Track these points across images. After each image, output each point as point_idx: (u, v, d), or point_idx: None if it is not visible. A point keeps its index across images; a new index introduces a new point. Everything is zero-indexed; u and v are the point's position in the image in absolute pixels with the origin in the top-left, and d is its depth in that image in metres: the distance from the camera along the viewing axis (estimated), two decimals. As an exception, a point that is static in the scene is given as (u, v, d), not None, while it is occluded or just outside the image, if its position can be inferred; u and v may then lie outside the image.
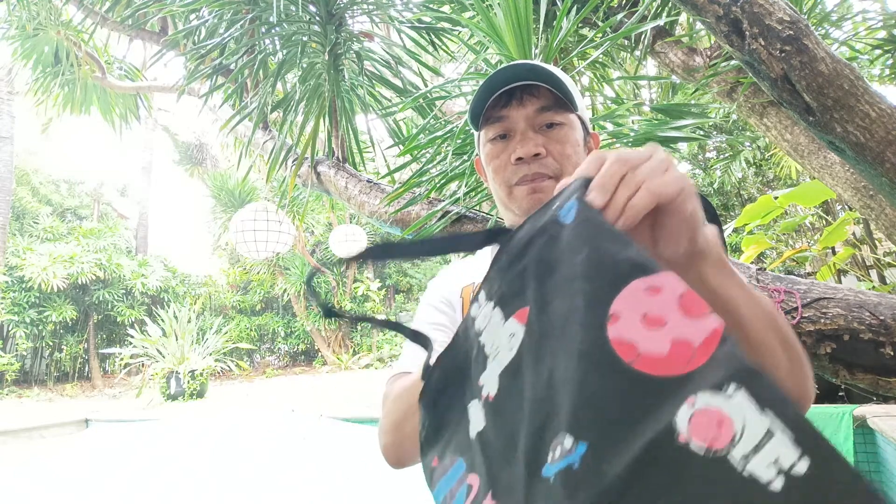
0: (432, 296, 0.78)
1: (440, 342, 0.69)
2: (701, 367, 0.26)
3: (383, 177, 2.04)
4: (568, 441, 0.28)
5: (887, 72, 2.69)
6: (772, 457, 0.21)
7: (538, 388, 0.33)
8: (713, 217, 0.50)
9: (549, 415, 0.31)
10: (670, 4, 2.14)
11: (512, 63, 0.67)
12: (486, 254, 0.79)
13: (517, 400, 0.35)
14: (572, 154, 0.69)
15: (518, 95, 0.68)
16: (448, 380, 0.44)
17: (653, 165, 0.38)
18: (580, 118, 0.72)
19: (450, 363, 0.45)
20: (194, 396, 8.12)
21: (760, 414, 0.23)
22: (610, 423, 0.27)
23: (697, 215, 0.40)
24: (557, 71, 0.69)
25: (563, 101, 0.68)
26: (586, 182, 0.39)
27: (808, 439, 0.21)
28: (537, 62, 0.68)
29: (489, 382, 0.38)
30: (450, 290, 0.76)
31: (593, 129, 0.77)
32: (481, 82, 0.70)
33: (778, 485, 0.21)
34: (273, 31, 2.25)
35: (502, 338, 0.38)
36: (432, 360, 0.48)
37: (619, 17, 2.12)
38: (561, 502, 0.27)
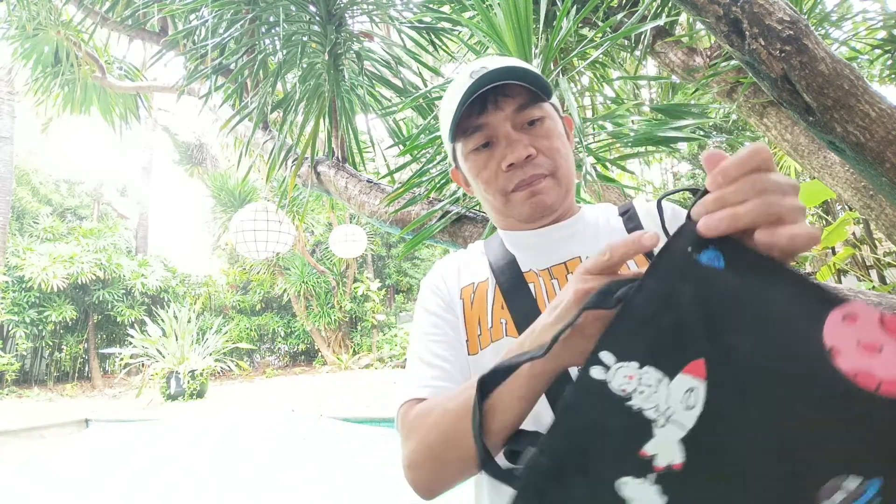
0: (430, 301, 0.72)
1: (449, 358, 0.65)
2: None
3: (383, 177, 2.04)
4: (852, 482, 0.30)
5: (887, 72, 2.68)
6: None
7: (767, 442, 0.32)
8: None
9: (800, 465, 0.31)
10: (670, 4, 2.14)
11: (482, 71, 0.62)
12: (479, 248, 0.77)
13: (723, 461, 0.33)
14: (560, 147, 0.66)
15: (492, 99, 0.64)
16: (563, 462, 0.38)
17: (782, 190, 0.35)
18: (552, 105, 0.69)
19: (561, 443, 0.38)
20: (194, 396, 8.11)
21: None
22: (894, 452, 0.30)
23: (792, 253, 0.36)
24: (526, 64, 0.66)
25: (538, 94, 0.65)
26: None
27: None
28: (508, 61, 0.64)
29: (666, 451, 0.34)
30: (448, 293, 0.71)
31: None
32: (449, 95, 0.64)
33: None
34: (273, 31, 2.25)
35: (674, 397, 0.35)
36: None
37: (619, 17, 2.12)
38: None
